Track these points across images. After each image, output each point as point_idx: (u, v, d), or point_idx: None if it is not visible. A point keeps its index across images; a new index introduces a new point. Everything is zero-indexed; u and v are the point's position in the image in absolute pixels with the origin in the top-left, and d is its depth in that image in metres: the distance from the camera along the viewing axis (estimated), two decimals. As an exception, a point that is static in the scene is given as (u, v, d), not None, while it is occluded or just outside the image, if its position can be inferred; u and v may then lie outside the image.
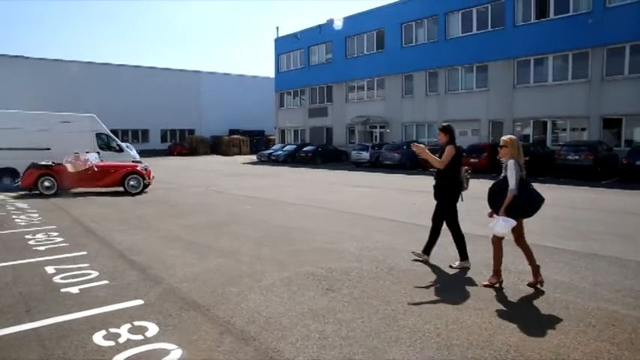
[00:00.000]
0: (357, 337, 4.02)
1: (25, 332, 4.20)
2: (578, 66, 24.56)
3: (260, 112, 56.60)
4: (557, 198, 13.82)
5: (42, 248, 7.52)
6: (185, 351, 3.76)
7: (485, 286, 5.40)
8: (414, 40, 32.92)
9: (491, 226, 5.39)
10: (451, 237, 6.29)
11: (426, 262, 6.41)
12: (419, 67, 32.00)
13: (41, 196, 14.38)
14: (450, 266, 6.23)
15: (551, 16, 25.45)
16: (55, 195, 14.59)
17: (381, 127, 35.26)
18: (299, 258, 6.69)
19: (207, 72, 59.63)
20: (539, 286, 5.33)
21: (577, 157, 20.08)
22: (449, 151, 6.09)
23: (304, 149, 35.02)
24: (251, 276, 5.83)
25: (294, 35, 42.84)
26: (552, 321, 4.40)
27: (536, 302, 4.93)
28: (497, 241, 5.40)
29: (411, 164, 25.85)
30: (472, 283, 5.58)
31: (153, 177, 16.43)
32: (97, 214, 11.00)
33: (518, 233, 5.36)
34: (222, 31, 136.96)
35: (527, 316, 4.57)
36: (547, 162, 21.27)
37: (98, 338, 4.01)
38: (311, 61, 41.84)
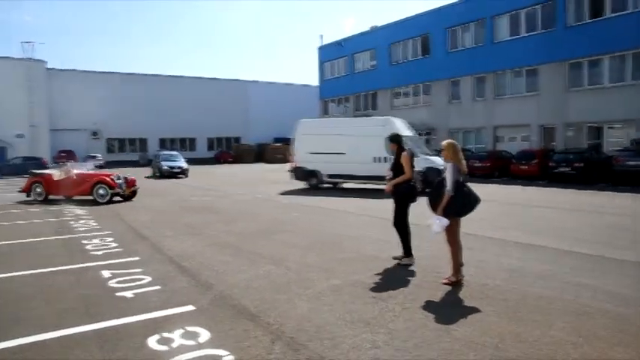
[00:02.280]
0: (409, 348, 3.91)
1: (84, 334, 4.33)
2: (637, 66, 23.39)
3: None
4: (618, 205, 13.20)
5: (98, 253, 7.80)
6: (237, 357, 3.77)
7: (445, 284, 5.61)
8: (460, 45, 32.39)
9: (429, 224, 5.71)
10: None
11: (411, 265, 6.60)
12: (466, 72, 31.41)
13: (97, 203, 14.95)
14: (394, 259, 6.72)
15: (608, 14, 24.39)
16: (45, 201, 15.71)
17: (426, 134, 34.79)
18: (348, 266, 6.64)
19: (253, 81, 60.75)
20: (453, 283, 5.59)
21: (639, 163, 19.00)
22: (406, 158, 6.59)
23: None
24: (300, 283, 5.82)
25: (338, 43, 43.05)
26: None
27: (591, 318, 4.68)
28: (451, 239, 5.67)
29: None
30: (525, 293, 5.35)
31: (135, 187, 16.47)
32: (149, 221, 11.31)
33: (452, 231, 5.64)
34: (266, 39, 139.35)
35: (596, 334, 4.33)
36: (603, 168, 20.29)
37: (152, 342, 4.08)
38: (355, 68, 41.88)
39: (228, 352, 3.85)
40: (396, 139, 6.89)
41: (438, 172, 14.90)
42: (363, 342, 4.05)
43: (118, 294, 5.48)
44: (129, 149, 53.57)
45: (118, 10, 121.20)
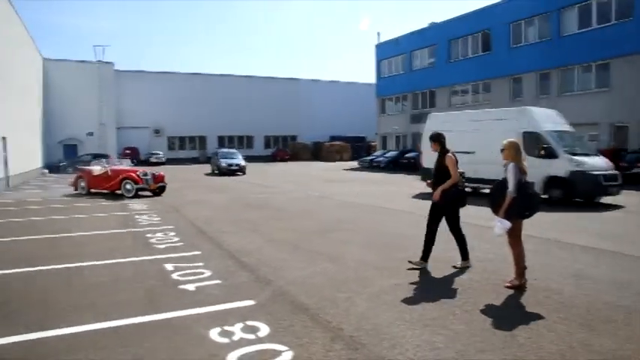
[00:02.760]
0: (470, 353, 3.78)
1: (149, 323, 4.50)
2: None
3: (361, 119, 56.90)
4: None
5: (161, 246, 8.09)
6: (296, 353, 3.79)
7: (507, 287, 5.43)
8: (523, 40, 31.15)
9: (492, 226, 5.57)
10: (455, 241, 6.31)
11: (425, 268, 6.41)
12: (529, 68, 30.18)
13: (160, 199, 15.56)
14: (453, 267, 6.42)
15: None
16: (87, 194, 17.14)
17: (486, 132, 33.72)
18: (408, 266, 6.53)
19: (310, 80, 61.17)
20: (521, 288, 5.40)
21: None
22: (451, 160, 6.25)
23: (406, 155, 34.53)
24: (359, 282, 5.78)
25: (395, 40, 42.57)
26: None
27: (681, 327, 4.34)
28: (513, 242, 5.50)
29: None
30: (597, 301, 5.05)
31: (162, 183, 17.24)
32: (209, 217, 11.62)
33: (515, 234, 5.46)
34: (322, 38, 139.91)
35: (671, 342, 4.02)
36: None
37: (214, 334, 4.17)
38: (413, 65, 41.26)
39: (287, 348, 3.87)
40: (437, 139, 6.43)
41: (593, 177, 12.85)
42: (423, 343, 3.96)
43: (180, 287, 5.65)
44: (189, 147, 55.42)
45: (176, 12, 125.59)
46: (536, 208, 5.49)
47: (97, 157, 36.91)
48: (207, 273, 6.25)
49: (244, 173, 30.21)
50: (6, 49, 24.16)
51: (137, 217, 11.79)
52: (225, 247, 7.94)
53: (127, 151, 46.93)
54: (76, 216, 12.10)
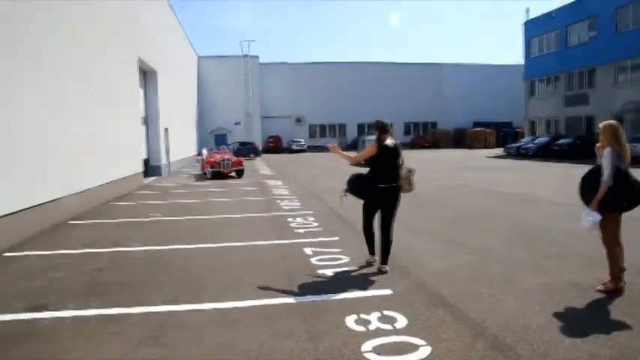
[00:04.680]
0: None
1: (288, 305, 4.63)
2: None
3: (507, 103, 53.20)
4: None
5: (301, 231, 8.36)
6: (434, 349, 3.59)
7: (600, 291, 4.76)
8: None
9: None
10: None
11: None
12: None
13: (299, 184, 16.20)
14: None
15: None
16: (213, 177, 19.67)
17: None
18: (559, 263, 5.88)
19: (450, 63, 58.68)
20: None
21: None
22: (368, 147, 5.86)
23: (558, 142, 31.46)
24: (504, 278, 5.34)
25: (549, 15, 38.79)
26: None
27: None
28: (607, 239, 4.77)
29: None
30: None
31: (239, 167, 20.00)
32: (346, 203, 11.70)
33: (610, 230, 4.74)
34: (464, 19, 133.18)
35: None
36: None
37: (350, 322, 4.14)
38: (569, 41, 37.25)
39: (425, 342, 3.69)
40: (376, 126, 6.11)
41: None
42: (582, 354, 3.48)
43: (319, 271, 5.74)
44: (329, 134, 56.87)
45: (310, 4, 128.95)
46: (637, 200, 4.67)
47: (243, 144, 40.29)
48: (345, 259, 6.29)
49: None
50: (173, 52, 27.13)
51: (279, 201, 12.38)
52: (362, 234, 7.91)
53: (271, 140, 49.90)
54: (215, 199, 13.10)
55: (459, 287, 5.02)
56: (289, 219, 9.63)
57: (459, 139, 51.34)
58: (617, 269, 4.77)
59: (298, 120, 55.48)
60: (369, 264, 5.96)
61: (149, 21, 21.10)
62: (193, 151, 37.08)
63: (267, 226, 8.99)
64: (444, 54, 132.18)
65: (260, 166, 29.25)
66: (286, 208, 11.25)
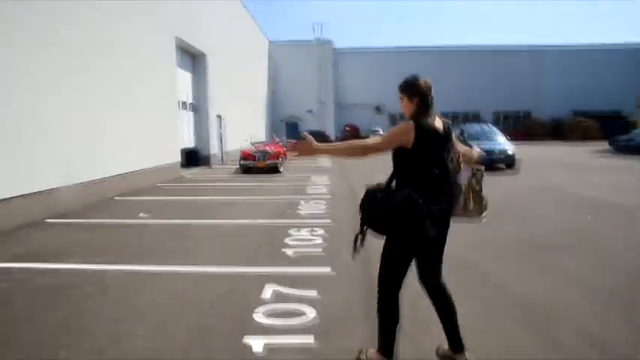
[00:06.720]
0: None
1: None
2: None
3: (616, 89, 46.46)
4: None
5: (290, 252, 6.02)
6: None
7: None
8: None
9: None
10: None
11: None
12: None
13: (348, 180, 13.82)
14: None
15: None
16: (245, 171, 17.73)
17: None
18: None
19: (546, 47, 52.49)
20: None
21: None
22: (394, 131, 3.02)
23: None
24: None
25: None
26: None
27: None
28: None
29: None
30: None
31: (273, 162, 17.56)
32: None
33: None
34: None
35: None
36: None
37: None
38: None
39: None
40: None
41: None
42: None
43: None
44: (409, 124, 53.55)
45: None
46: None
47: (312, 134, 38.42)
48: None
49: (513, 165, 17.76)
50: (233, 36, 25.74)
51: (302, 202, 10.11)
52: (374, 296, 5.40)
53: (347, 128, 47.55)
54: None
55: None
56: (292, 230, 7.31)
57: (556, 131, 45.70)
58: None
59: (377, 108, 52.62)
60: None
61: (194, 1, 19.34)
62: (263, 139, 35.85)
63: (255, 241, 6.75)
64: (543, 36, 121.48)
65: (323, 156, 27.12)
66: (303, 213, 8.94)
